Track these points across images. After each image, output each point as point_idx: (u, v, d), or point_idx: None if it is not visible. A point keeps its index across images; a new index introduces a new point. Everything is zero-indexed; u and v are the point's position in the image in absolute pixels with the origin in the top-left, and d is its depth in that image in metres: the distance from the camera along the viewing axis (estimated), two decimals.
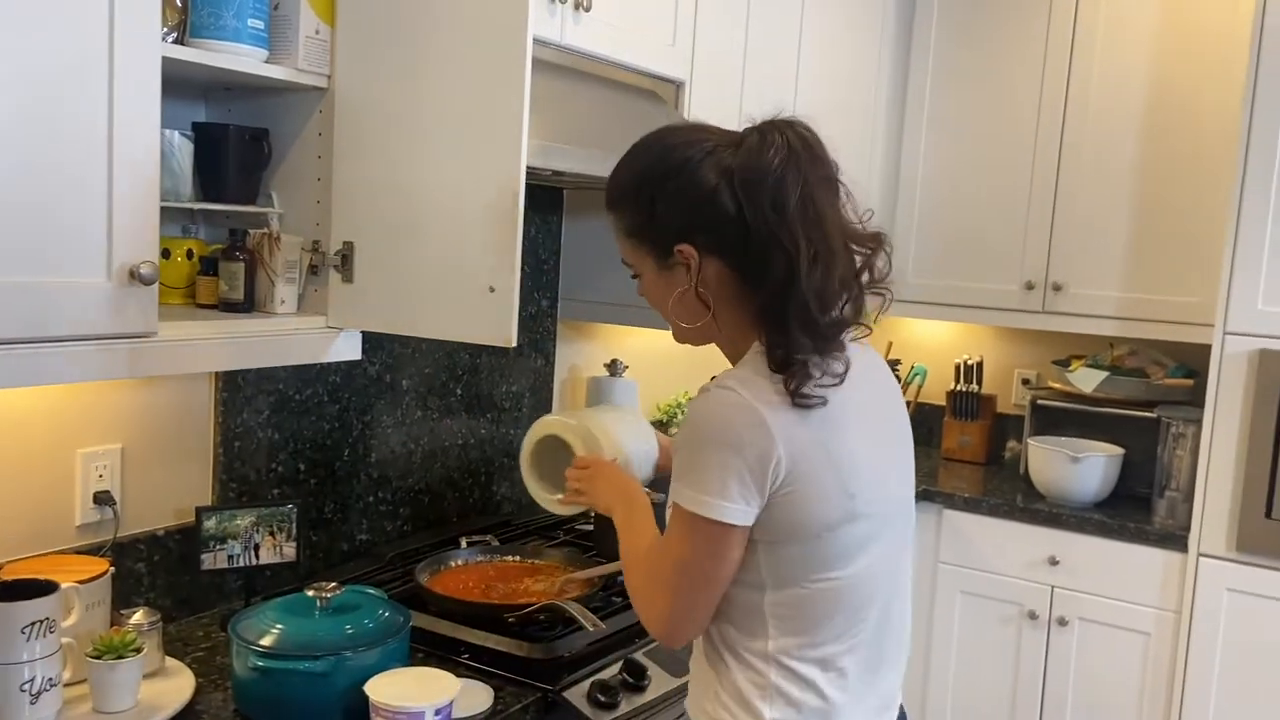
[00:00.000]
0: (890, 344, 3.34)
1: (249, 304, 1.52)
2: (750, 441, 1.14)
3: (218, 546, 1.67)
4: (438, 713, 1.32)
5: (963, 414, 3.25)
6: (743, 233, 1.17)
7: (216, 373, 1.75)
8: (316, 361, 1.77)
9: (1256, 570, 2.47)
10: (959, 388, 3.24)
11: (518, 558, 1.98)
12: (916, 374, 3.31)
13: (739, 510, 1.15)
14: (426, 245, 1.51)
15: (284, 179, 1.60)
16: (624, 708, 1.58)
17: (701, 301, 1.23)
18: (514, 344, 1.47)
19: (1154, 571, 2.61)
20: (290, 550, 1.74)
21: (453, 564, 1.92)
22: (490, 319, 1.47)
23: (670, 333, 1.32)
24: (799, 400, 1.15)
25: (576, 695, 1.55)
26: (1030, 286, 2.96)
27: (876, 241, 1.24)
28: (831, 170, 1.20)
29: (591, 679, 1.58)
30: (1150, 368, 2.93)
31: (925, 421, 3.41)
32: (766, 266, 1.16)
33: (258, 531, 1.71)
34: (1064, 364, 3.02)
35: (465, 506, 2.29)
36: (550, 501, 1.72)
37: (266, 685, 1.37)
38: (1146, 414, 2.81)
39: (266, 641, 1.39)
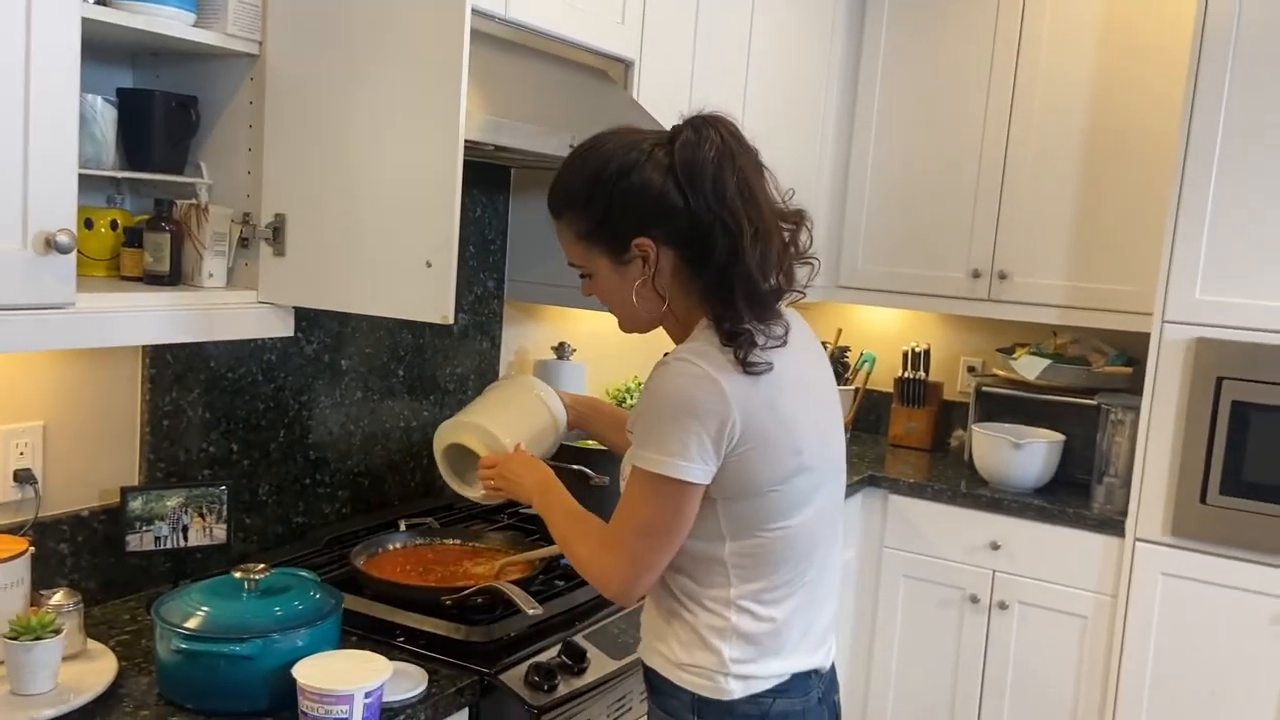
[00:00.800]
0: (840, 330, 3.35)
1: (175, 277, 1.47)
2: (708, 408, 1.24)
3: (144, 528, 1.62)
4: (368, 696, 1.29)
5: (910, 401, 3.28)
6: (690, 221, 1.27)
7: (144, 349, 1.70)
8: (246, 337, 1.73)
9: (1191, 555, 2.51)
10: (906, 375, 3.27)
11: (458, 541, 1.96)
12: (865, 361, 3.33)
13: (698, 469, 1.25)
14: (362, 218, 1.47)
15: (213, 148, 1.55)
16: (562, 690, 1.56)
17: (656, 290, 1.32)
18: (451, 320, 1.44)
19: (1092, 556, 2.65)
20: (220, 532, 1.70)
21: (390, 547, 1.89)
22: (427, 295, 1.44)
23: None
24: (749, 368, 1.26)
25: (514, 678, 1.53)
26: (977, 274, 2.99)
27: (799, 218, 1.35)
28: (757, 156, 1.32)
29: (529, 662, 1.56)
30: (1091, 356, 2.98)
31: (873, 408, 3.43)
32: (713, 249, 1.27)
33: (186, 513, 1.66)
34: (1008, 351, 3.06)
35: (407, 490, 2.26)
36: (479, 498, 1.69)
37: (191, 668, 1.34)
38: (1087, 401, 2.85)
39: (191, 624, 1.35)
